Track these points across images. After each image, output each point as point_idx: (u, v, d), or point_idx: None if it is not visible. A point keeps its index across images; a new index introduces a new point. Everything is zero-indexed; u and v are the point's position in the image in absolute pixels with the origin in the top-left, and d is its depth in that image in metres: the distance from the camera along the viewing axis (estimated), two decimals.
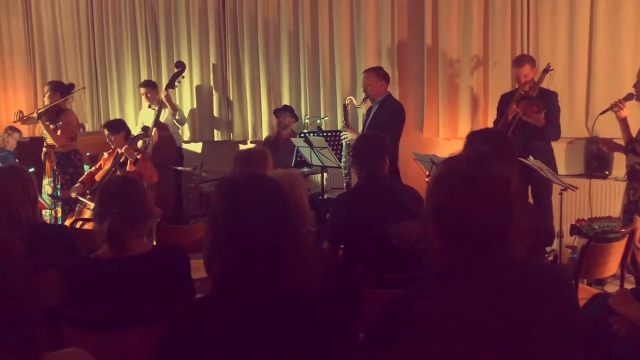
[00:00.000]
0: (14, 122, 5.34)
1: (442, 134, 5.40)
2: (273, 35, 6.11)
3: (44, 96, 5.27)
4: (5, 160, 5.29)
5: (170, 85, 5.91)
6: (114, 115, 6.94)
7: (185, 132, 6.66)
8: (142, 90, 6.09)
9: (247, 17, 6.19)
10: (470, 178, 1.29)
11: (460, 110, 5.29)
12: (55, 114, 5.16)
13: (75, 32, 7.15)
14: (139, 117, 6.41)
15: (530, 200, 4.28)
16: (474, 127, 5.11)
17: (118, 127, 4.92)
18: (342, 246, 2.90)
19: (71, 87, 5.38)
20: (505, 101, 4.57)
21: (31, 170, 4.90)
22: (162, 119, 5.95)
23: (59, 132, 5.10)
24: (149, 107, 6.07)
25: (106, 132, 4.90)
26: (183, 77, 6.08)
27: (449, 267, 1.30)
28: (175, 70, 5.99)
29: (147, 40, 6.73)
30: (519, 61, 4.46)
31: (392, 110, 4.75)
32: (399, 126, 4.74)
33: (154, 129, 5.72)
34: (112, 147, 4.96)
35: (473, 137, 2.44)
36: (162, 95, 5.83)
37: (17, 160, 5.89)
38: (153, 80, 6.44)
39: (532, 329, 1.25)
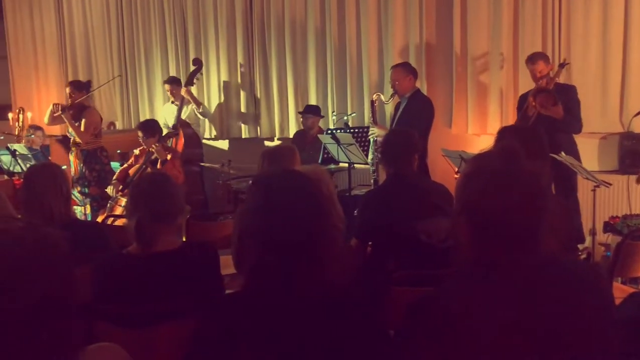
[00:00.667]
0: (53, 112, 5.45)
1: (472, 130, 5.34)
2: (300, 32, 6.12)
3: (67, 96, 5.41)
4: (37, 159, 5.41)
5: (189, 82, 6.00)
6: (144, 112, 7.04)
7: (212, 129, 6.71)
8: (167, 86, 6.20)
9: (275, 14, 6.20)
10: (500, 174, 1.27)
11: (489, 106, 5.22)
12: (78, 112, 5.29)
13: (106, 30, 7.26)
14: (162, 111, 6.49)
15: None
16: (503, 123, 5.03)
17: (152, 130, 4.98)
18: (370, 243, 2.89)
19: (89, 84, 5.58)
20: (524, 101, 4.53)
21: (64, 167, 4.99)
22: (184, 115, 6.03)
23: (82, 128, 5.23)
24: (172, 102, 6.16)
25: (140, 134, 4.97)
26: (201, 74, 6.16)
27: (479, 264, 1.29)
28: (193, 67, 6.06)
29: (175, 38, 6.81)
30: (533, 58, 4.45)
31: (421, 106, 4.71)
32: (427, 122, 4.70)
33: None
34: (144, 145, 5.03)
35: (504, 133, 2.41)
36: (183, 91, 5.91)
37: (49, 158, 6.02)
38: (179, 76, 6.51)
39: (565, 328, 1.23)
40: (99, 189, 5.26)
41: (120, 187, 4.94)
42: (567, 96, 4.30)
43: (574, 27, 4.84)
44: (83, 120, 5.25)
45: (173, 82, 6.17)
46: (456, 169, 4.11)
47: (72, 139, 5.36)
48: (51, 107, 5.43)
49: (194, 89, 6.23)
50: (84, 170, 5.27)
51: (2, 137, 6.35)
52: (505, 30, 5.07)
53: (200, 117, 6.24)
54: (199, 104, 6.08)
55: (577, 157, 4.32)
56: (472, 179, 1.31)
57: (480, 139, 5.26)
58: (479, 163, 1.35)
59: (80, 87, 5.40)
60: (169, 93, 6.19)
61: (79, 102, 5.26)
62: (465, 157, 3.95)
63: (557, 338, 1.22)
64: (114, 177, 5.09)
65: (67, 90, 5.43)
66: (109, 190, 5.00)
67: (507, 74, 5.13)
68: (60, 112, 5.24)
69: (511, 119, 5.08)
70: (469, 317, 1.21)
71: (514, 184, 1.26)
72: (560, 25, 4.88)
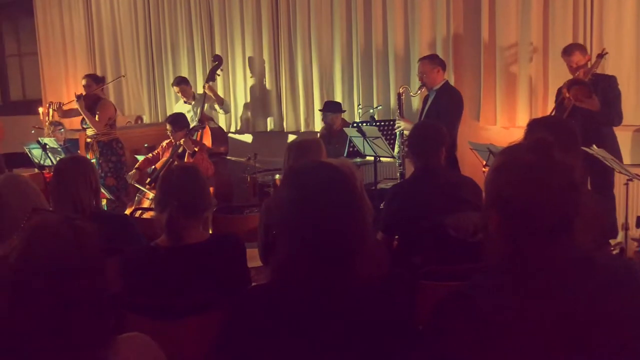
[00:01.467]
0: (56, 110, 5.64)
1: (500, 123, 5.25)
2: (325, 24, 6.09)
3: (84, 87, 5.61)
4: (66, 152, 5.51)
5: (210, 78, 6.06)
6: (170, 106, 7.09)
7: (238, 122, 6.74)
8: (176, 88, 6.20)
9: (300, 7, 6.18)
10: (531, 166, 1.24)
11: (518, 97, 5.13)
12: (93, 103, 5.51)
13: (133, 26, 7.34)
14: (174, 111, 6.51)
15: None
16: (532, 115, 4.94)
17: (181, 124, 5.05)
18: (396, 237, 2.87)
19: (104, 78, 5.95)
20: (561, 93, 4.40)
21: (93, 160, 5.08)
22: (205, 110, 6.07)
23: (97, 118, 5.44)
24: (184, 102, 6.18)
25: (169, 127, 5.03)
26: (222, 69, 6.18)
27: (509, 259, 1.26)
28: (214, 63, 6.11)
29: (201, 33, 6.84)
30: (568, 50, 4.34)
31: (449, 98, 4.65)
32: (457, 115, 4.63)
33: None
34: (172, 138, 5.08)
35: (534, 125, 2.35)
36: (205, 87, 5.95)
37: (78, 151, 6.11)
38: (206, 71, 6.55)
39: (599, 324, 1.19)
40: (115, 180, 5.38)
41: (148, 179, 5.01)
42: (606, 87, 4.17)
43: (606, 16, 4.71)
44: (98, 112, 5.47)
45: (181, 82, 6.19)
46: (484, 162, 4.05)
47: (87, 130, 5.57)
48: (53, 105, 5.69)
49: (219, 85, 6.25)
50: (100, 162, 5.39)
51: (33, 132, 6.47)
52: (534, 20, 4.96)
53: (221, 112, 6.24)
54: (221, 100, 6.10)
55: (617, 150, 4.20)
56: (503, 171, 1.28)
57: (508, 131, 5.18)
58: (510, 155, 1.32)
59: (97, 80, 5.66)
60: (179, 94, 6.21)
61: (94, 93, 5.51)
62: (494, 150, 3.89)
63: (591, 335, 1.18)
64: (136, 165, 5.17)
65: (84, 82, 5.63)
66: (128, 177, 5.08)
67: (536, 65, 5.03)
68: (76, 100, 5.46)
69: (540, 111, 4.99)
70: (499, 312, 1.19)
71: (546, 177, 1.23)
72: (593, 13, 4.75)
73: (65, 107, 5.83)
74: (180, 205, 2.03)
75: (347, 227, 1.28)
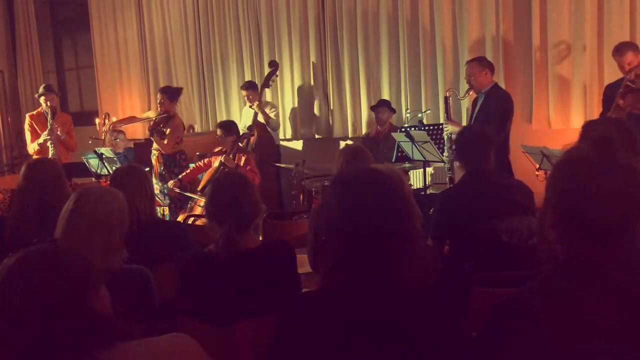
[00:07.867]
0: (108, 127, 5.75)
1: (554, 125, 5.11)
2: (372, 29, 6.08)
3: (157, 102, 5.64)
4: (122, 161, 5.67)
5: (265, 84, 6.08)
6: (221, 115, 7.23)
7: (288, 130, 6.79)
8: (244, 92, 6.25)
9: (347, 13, 6.20)
10: (593, 163, 1.21)
11: (572, 98, 4.98)
12: (166, 120, 5.53)
13: (184, 38, 7.51)
14: (242, 115, 6.61)
15: None
16: (588, 116, 4.78)
17: (231, 129, 5.15)
18: (447, 243, 2.83)
19: (180, 90, 5.80)
20: (610, 93, 4.22)
21: (147, 169, 5.20)
22: (260, 118, 6.12)
23: (166, 141, 5.44)
24: (250, 107, 6.25)
25: (219, 131, 5.13)
26: (277, 75, 6.20)
27: (567, 261, 1.22)
28: (269, 70, 6.12)
29: (250, 42, 6.95)
30: (620, 49, 4.20)
31: (499, 100, 4.55)
32: (507, 117, 4.53)
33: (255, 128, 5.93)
34: (221, 147, 5.18)
35: (589, 127, 2.29)
36: (255, 106, 5.97)
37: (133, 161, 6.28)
38: (255, 79, 6.63)
39: None
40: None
41: (200, 187, 5.13)
42: None
43: None
44: (169, 130, 5.46)
45: (249, 87, 6.21)
46: (537, 166, 3.95)
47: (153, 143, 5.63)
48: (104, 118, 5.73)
49: (268, 93, 6.29)
50: (163, 172, 5.50)
51: (90, 142, 6.69)
52: (588, 18, 4.81)
53: (271, 128, 6.25)
54: (268, 118, 6.08)
55: None
56: (563, 168, 1.25)
57: (563, 134, 5.03)
58: (571, 153, 1.29)
59: (173, 96, 5.60)
60: (245, 98, 6.27)
61: (166, 112, 5.51)
62: (547, 153, 3.78)
63: None
64: (179, 176, 5.27)
65: (159, 97, 5.62)
66: (170, 183, 5.17)
67: (591, 64, 4.87)
68: (150, 135, 5.50)
69: (596, 112, 4.83)
70: (558, 317, 1.16)
71: (607, 173, 1.19)
72: None
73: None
74: (234, 224, 2.07)
75: (396, 233, 1.28)
